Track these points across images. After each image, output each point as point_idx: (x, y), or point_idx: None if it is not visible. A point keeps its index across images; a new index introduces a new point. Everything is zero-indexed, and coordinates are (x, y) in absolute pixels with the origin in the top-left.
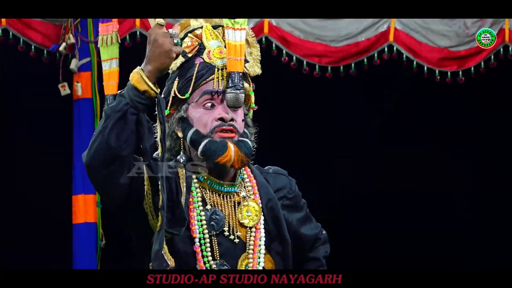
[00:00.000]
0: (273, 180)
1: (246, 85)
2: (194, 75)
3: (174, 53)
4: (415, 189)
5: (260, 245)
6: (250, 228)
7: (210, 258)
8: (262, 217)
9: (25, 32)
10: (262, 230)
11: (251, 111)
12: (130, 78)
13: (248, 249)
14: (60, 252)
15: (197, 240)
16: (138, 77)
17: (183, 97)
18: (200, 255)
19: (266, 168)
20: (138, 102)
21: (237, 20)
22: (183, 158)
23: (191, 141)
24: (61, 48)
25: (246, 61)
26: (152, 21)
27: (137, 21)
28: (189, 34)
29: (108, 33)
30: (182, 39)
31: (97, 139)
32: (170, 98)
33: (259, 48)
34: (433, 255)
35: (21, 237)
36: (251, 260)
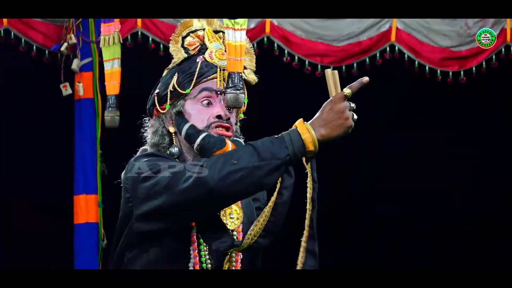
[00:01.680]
0: None
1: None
2: (197, 72)
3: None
4: (417, 189)
5: None
6: (232, 231)
7: (206, 248)
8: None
9: (26, 32)
10: (242, 234)
11: (239, 121)
12: (300, 130)
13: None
14: (61, 252)
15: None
16: (311, 138)
17: (184, 91)
18: (196, 243)
19: None
20: (298, 158)
21: (237, 20)
22: (175, 149)
23: (186, 135)
24: (62, 48)
25: (244, 67)
26: (329, 75)
27: (139, 21)
28: (191, 34)
29: (110, 33)
30: (184, 37)
31: (241, 172)
32: (168, 93)
33: (254, 58)
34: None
35: (23, 237)
36: (233, 264)
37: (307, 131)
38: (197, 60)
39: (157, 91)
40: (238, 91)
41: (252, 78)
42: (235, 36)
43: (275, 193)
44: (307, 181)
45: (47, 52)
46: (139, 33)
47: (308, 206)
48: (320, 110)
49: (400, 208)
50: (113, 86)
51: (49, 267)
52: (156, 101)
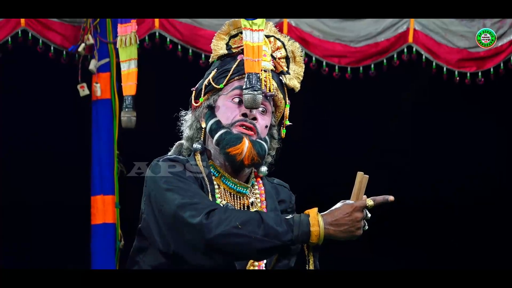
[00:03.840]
0: (276, 191)
1: (280, 96)
2: (233, 68)
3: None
4: (433, 189)
5: None
6: None
7: None
8: None
9: (44, 33)
10: None
11: (284, 128)
12: (311, 221)
13: None
14: (78, 252)
15: None
16: (318, 232)
17: (218, 86)
18: None
19: (270, 178)
20: (299, 244)
21: (255, 21)
22: (198, 145)
23: (210, 129)
24: (80, 49)
25: (287, 72)
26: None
27: (156, 22)
28: (240, 34)
29: (127, 34)
30: (234, 37)
31: (241, 239)
32: (203, 87)
33: (303, 68)
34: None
35: (40, 237)
36: (256, 263)
37: (317, 223)
38: (237, 58)
39: (197, 85)
40: (255, 92)
41: (294, 84)
42: (253, 37)
43: (272, 265)
44: (309, 268)
45: (64, 53)
46: (157, 34)
47: None
48: (338, 206)
49: (419, 210)
50: (129, 87)
51: (66, 267)
52: (193, 95)
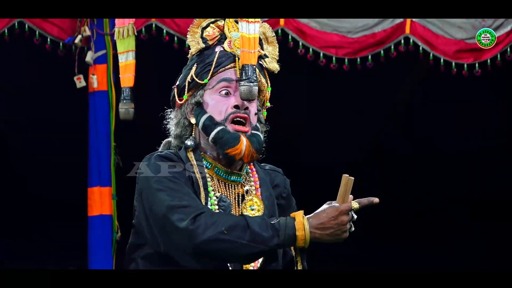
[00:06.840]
0: (270, 177)
1: (263, 80)
2: (214, 62)
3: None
4: (428, 181)
5: None
6: None
7: None
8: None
9: (40, 24)
10: None
11: (265, 110)
12: (296, 225)
13: None
14: (75, 244)
15: None
16: (304, 236)
17: (202, 82)
18: None
19: (262, 164)
20: (286, 247)
21: None
22: (191, 142)
23: (203, 126)
24: (76, 41)
25: (265, 56)
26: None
27: None
28: (211, 24)
29: (124, 25)
30: (204, 28)
31: (227, 244)
32: (186, 84)
33: (277, 47)
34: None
35: (37, 229)
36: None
37: (302, 228)
38: (216, 50)
39: (177, 83)
40: (251, 84)
41: (274, 66)
42: (249, 28)
43: (260, 263)
44: (297, 269)
45: (61, 44)
46: (154, 26)
47: None
48: (324, 209)
49: (414, 206)
50: (127, 79)
51: (63, 259)
52: (176, 92)
